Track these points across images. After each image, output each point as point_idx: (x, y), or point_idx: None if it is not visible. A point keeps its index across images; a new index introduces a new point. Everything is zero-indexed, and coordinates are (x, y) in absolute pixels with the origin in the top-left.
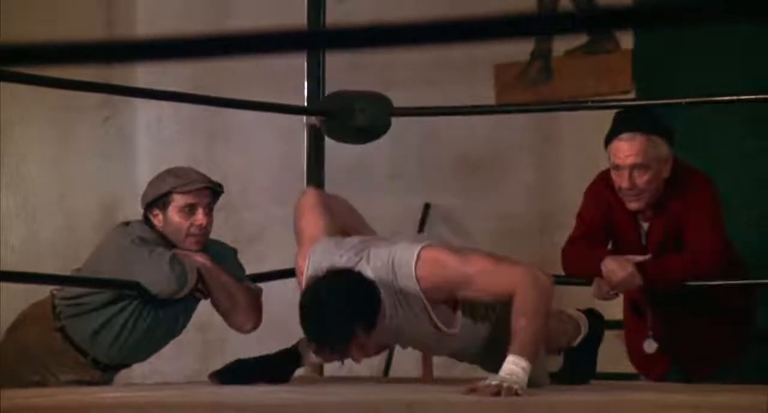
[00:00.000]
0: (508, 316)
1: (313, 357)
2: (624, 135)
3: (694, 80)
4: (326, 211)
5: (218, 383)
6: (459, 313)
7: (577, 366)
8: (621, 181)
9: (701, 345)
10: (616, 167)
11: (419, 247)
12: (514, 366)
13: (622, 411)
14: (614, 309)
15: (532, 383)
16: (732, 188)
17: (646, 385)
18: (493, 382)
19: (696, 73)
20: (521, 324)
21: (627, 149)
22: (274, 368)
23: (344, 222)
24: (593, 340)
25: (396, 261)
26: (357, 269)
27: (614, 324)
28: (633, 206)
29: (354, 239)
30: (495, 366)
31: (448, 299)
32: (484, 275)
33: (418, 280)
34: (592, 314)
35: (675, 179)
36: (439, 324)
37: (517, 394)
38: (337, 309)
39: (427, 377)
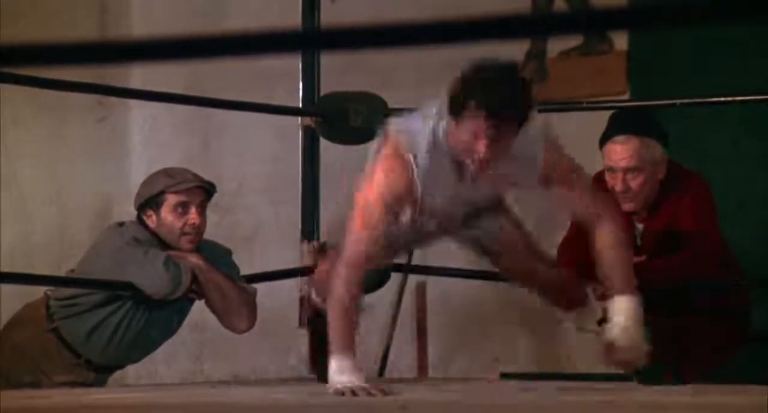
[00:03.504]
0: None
1: (319, 302)
2: (618, 138)
3: (688, 82)
4: None
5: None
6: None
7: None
8: (615, 183)
9: (696, 346)
10: (610, 170)
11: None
12: (636, 306)
13: (617, 411)
14: None
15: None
16: (726, 189)
17: (641, 386)
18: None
19: (690, 74)
20: (625, 256)
21: (621, 151)
22: None
23: None
24: None
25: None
26: None
27: None
28: (627, 207)
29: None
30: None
31: (541, 182)
32: (590, 187)
33: (545, 148)
34: None
35: (670, 181)
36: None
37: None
38: (526, 85)
39: (422, 377)
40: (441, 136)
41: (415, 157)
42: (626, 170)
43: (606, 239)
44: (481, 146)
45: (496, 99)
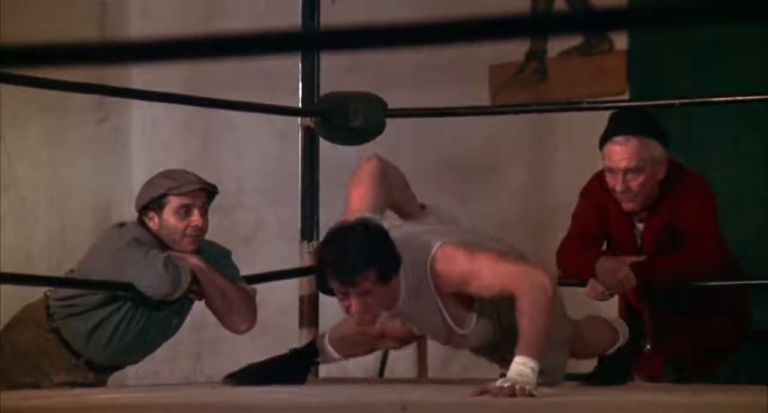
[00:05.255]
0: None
1: (331, 353)
2: (617, 138)
3: (688, 81)
4: (382, 183)
5: (233, 385)
6: (474, 315)
7: (609, 369)
8: (615, 184)
9: (696, 345)
10: (610, 170)
11: (439, 243)
12: (522, 367)
13: (617, 411)
14: (609, 310)
15: (548, 379)
16: (726, 189)
17: (641, 385)
18: (506, 384)
19: (690, 74)
20: (524, 325)
21: (620, 152)
22: (289, 368)
23: (395, 197)
24: (628, 345)
25: (418, 247)
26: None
27: None
28: (628, 207)
29: (393, 221)
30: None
31: (459, 296)
32: (487, 272)
33: (433, 275)
34: (633, 319)
35: (670, 181)
36: (450, 323)
37: (531, 395)
38: (361, 242)
39: (422, 378)
40: None
41: None
42: (626, 171)
43: (520, 311)
44: (355, 315)
45: (322, 270)
